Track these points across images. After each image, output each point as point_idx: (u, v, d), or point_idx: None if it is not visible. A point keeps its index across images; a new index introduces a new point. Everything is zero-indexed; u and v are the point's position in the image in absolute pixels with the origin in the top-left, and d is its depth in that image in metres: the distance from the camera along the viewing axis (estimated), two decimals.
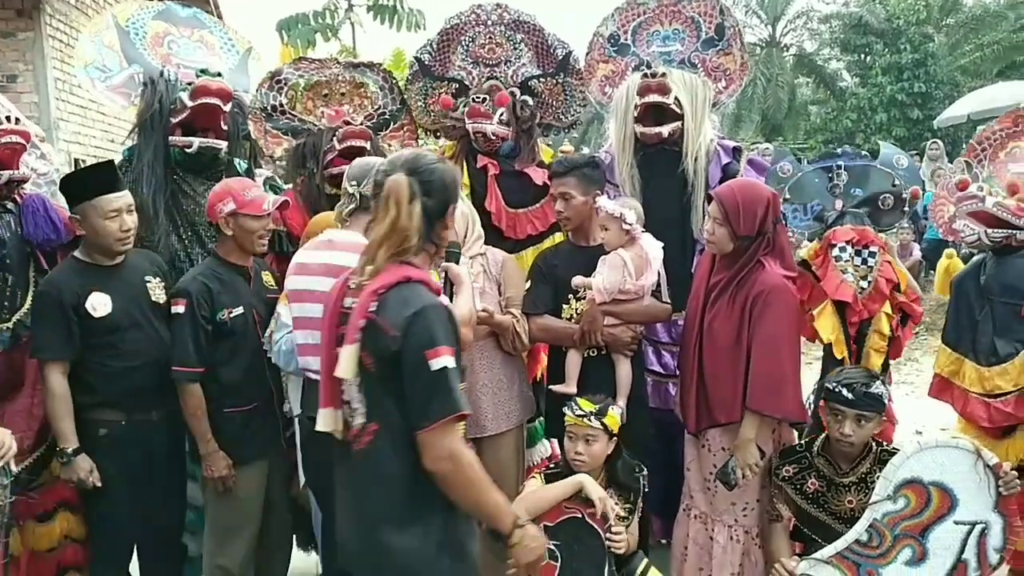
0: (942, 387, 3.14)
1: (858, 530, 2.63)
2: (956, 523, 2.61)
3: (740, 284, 2.81)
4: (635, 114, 3.27)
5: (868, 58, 22.23)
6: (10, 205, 3.01)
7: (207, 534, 3.08)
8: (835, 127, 22.16)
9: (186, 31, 3.69)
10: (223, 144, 3.30)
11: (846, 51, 23.33)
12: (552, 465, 3.01)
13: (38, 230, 2.94)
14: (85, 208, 2.81)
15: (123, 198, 2.86)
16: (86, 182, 2.88)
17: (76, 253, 2.92)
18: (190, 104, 3.25)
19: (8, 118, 3.00)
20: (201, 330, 2.89)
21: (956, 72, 21.24)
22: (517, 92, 3.51)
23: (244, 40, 3.82)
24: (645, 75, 3.28)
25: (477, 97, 3.45)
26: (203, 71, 3.38)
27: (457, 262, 2.61)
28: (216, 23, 3.84)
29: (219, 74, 3.40)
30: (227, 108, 3.30)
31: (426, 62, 3.62)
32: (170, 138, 3.28)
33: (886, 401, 2.76)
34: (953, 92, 19.62)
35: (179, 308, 2.89)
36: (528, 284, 3.16)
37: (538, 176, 3.48)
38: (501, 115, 3.44)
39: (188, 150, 3.25)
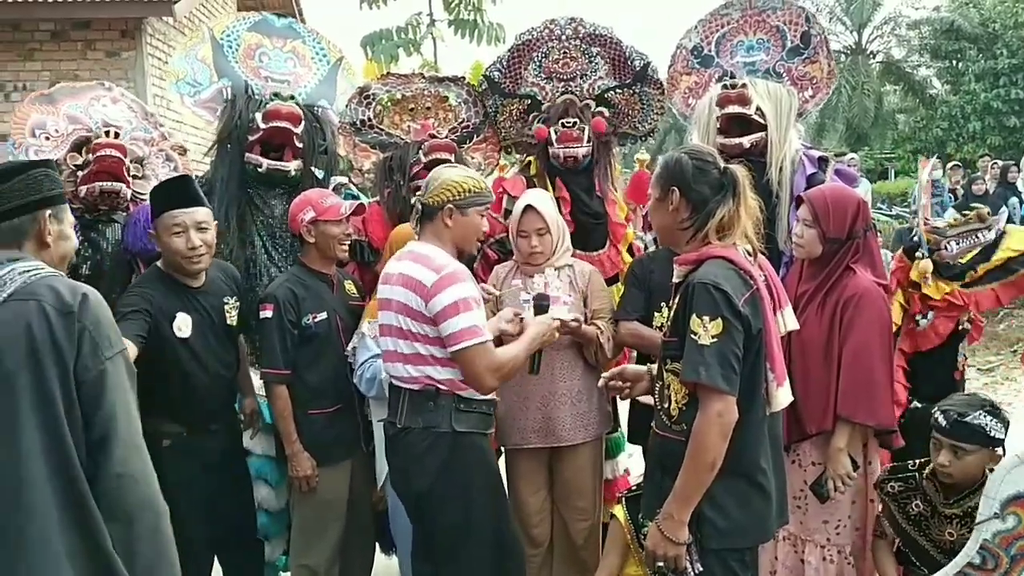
0: None
1: (968, 552, 2.48)
2: None
3: (830, 291, 2.76)
4: (717, 125, 3.24)
5: (960, 64, 21.38)
6: (119, 216, 3.17)
7: (293, 535, 3.17)
8: (925, 136, 21.39)
9: (279, 42, 3.78)
10: (290, 166, 3.43)
11: (936, 57, 22.48)
12: (635, 487, 2.98)
13: (136, 240, 3.07)
14: (156, 223, 2.83)
15: (188, 215, 2.78)
16: (156, 198, 2.88)
17: (159, 263, 2.92)
18: (263, 126, 3.39)
19: (107, 132, 3.17)
20: (288, 334, 2.98)
21: None
22: (592, 104, 3.50)
23: (336, 50, 3.90)
24: (725, 86, 3.24)
25: (568, 122, 3.38)
26: (276, 95, 3.49)
27: (545, 312, 2.74)
28: (311, 33, 3.92)
29: (292, 97, 3.51)
30: (298, 130, 3.42)
31: (496, 79, 3.62)
32: (246, 155, 3.42)
33: (992, 434, 2.57)
34: None
35: (267, 313, 2.99)
36: (623, 288, 3.18)
37: (612, 209, 3.44)
38: (588, 134, 3.43)
39: (259, 169, 3.40)
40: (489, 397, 2.63)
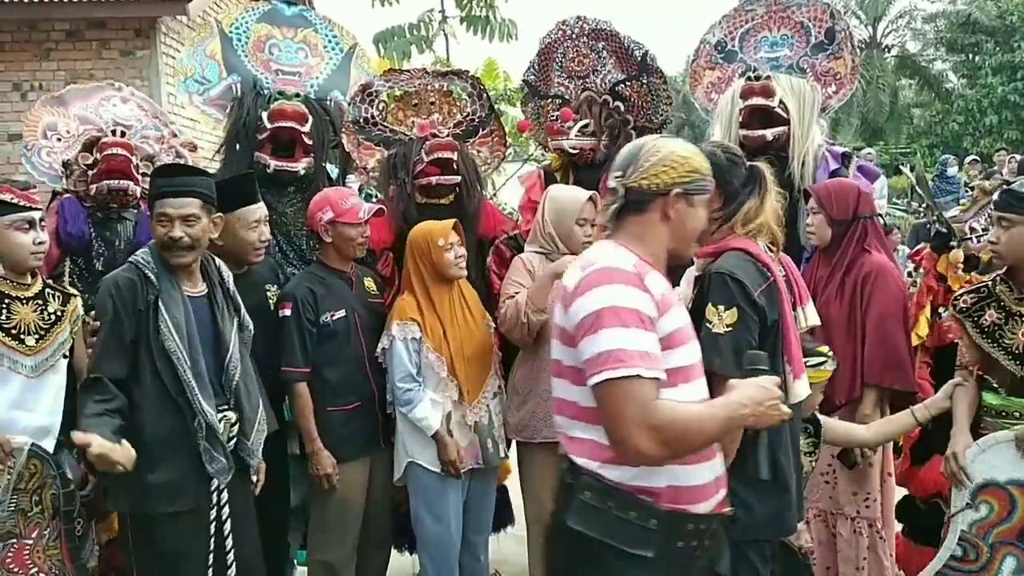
0: None
1: (949, 546, 2.53)
2: None
3: (848, 270, 2.93)
4: (739, 118, 3.23)
5: (977, 58, 21.22)
6: (130, 213, 3.18)
7: (311, 531, 3.17)
8: (941, 130, 21.25)
9: (289, 32, 3.72)
10: (299, 166, 3.39)
11: (952, 51, 22.32)
12: None
13: (148, 238, 3.08)
14: (227, 219, 2.74)
15: (261, 209, 2.94)
16: (229, 193, 2.81)
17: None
18: (269, 126, 3.37)
19: (114, 132, 3.18)
20: (307, 332, 2.98)
21: None
22: (610, 100, 3.52)
23: (349, 37, 3.84)
24: (749, 78, 3.25)
25: (552, 115, 3.52)
26: (281, 93, 3.46)
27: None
28: (323, 20, 3.85)
29: (297, 95, 3.47)
30: (305, 128, 3.38)
31: (533, 83, 3.72)
32: (255, 154, 3.39)
33: None
34: None
35: (286, 311, 2.99)
36: None
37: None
38: (584, 127, 3.44)
39: (268, 170, 3.37)
40: (659, 487, 1.73)
